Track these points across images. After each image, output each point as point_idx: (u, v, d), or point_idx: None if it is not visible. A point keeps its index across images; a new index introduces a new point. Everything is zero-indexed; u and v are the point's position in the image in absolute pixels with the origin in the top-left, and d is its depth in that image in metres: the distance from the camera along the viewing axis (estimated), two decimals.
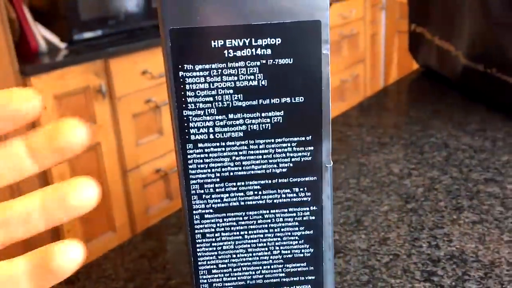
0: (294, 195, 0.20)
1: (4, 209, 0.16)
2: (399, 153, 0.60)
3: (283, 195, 0.20)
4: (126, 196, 1.52)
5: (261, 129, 0.19)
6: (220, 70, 0.18)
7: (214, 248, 0.20)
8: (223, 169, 0.19)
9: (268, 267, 0.20)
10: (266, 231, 0.20)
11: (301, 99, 0.19)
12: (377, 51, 2.60)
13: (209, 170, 0.19)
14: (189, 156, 0.19)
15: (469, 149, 0.59)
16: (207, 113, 0.19)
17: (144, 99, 1.51)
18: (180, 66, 0.18)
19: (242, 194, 0.20)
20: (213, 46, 0.18)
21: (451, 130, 0.65)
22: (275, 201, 0.20)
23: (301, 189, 0.20)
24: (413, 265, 0.40)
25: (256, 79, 0.18)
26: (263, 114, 0.19)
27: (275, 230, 0.20)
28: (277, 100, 0.19)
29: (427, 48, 0.86)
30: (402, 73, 2.44)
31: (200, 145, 0.19)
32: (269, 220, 0.20)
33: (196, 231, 0.20)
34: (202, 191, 0.20)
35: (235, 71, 0.18)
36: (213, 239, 0.20)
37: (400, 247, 0.42)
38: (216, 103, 0.19)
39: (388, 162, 0.58)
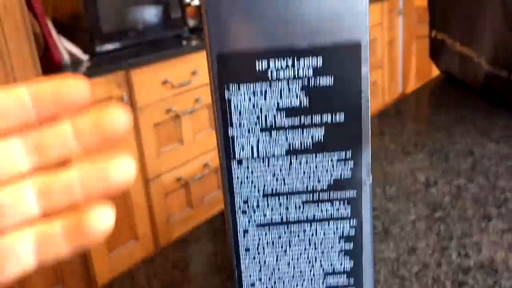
0: (335, 210, 0.20)
1: (47, 178, 0.17)
2: (424, 161, 0.60)
3: (324, 210, 0.20)
4: (148, 205, 1.54)
5: (303, 146, 0.20)
6: (264, 90, 0.19)
7: (257, 262, 0.21)
8: (266, 186, 0.20)
9: (310, 280, 0.21)
10: (308, 245, 0.21)
11: (342, 117, 0.19)
12: (395, 57, 2.59)
13: (252, 187, 0.20)
14: (233, 173, 0.20)
15: (495, 156, 0.59)
16: (251, 132, 0.20)
17: (165, 108, 1.52)
18: (225, 88, 0.19)
19: (284, 209, 0.20)
20: (257, 67, 0.19)
21: (476, 137, 0.65)
22: (316, 216, 0.20)
23: (342, 204, 0.20)
24: (443, 274, 0.40)
25: (298, 98, 0.19)
26: (304, 132, 0.20)
27: (316, 244, 0.21)
28: (319, 119, 0.19)
29: (449, 54, 0.85)
30: (421, 78, 2.43)
31: (244, 162, 0.20)
32: (310, 235, 0.21)
33: (240, 246, 0.21)
34: (246, 207, 0.20)
35: (278, 91, 0.19)
36: (256, 254, 0.21)
37: (430, 257, 0.42)
38: (260, 122, 0.19)
39: (413, 170, 0.58)
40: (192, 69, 1.57)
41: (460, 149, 0.62)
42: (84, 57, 1.46)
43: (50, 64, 1.37)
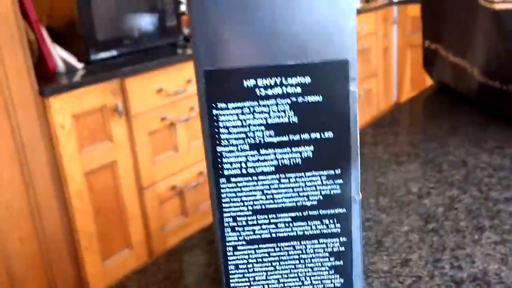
0: (324, 226, 0.20)
1: None
2: (417, 172, 0.60)
3: (314, 227, 0.20)
4: (143, 213, 1.53)
5: (291, 163, 0.20)
6: (252, 108, 0.19)
7: (247, 279, 0.21)
8: (255, 202, 0.20)
9: None
10: (297, 262, 0.21)
11: (330, 134, 0.19)
12: (390, 65, 2.61)
13: (241, 204, 0.20)
14: (222, 190, 0.20)
15: (488, 167, 0.59)
16: (239, 149, 0.19)
17: (160, 116, 1.52)
18: (213, 105, 0.19)
19: (273, 226, 0.20)
20: (245, 85, 0.19)
21: (469, 147, 0.65)
22: (305, 232, 0.20)
23: (331, 221, 0.20)
24: (436, 287, 0.40)
25: (287, 116, 0.19)
26: (293, 149, 0.20)
27: (306, 261, 0.21)
28: (307, 136, 0.19)
29: (442, 64, 0.86)
30: (415, 87, 2.44)
31: (233, 179, 0.20)
32: (300, 251, 0.21)
33: (229, 262, 0.21)
34: (235, 224, 0.20)
35: (266, 109, 0.19)
36: (246, 270, 0.21)
37: (423, 269, 0.42)
38: (248, 139, 0.19)
39: (407, 180, 0.58)
40: (187, 77, 1.57)
41: (453, 160, 0.62)
42: (79, 65, 1.46)
43: (44, 72, 1.37)
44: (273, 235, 0.20)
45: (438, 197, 0.53)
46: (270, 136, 0.19)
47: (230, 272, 0.21)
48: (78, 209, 1.35)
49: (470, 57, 0.76)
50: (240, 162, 0.20)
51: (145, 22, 1.64)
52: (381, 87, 2.57)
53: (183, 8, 1.84)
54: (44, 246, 1.31)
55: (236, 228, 0.20)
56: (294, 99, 0.19)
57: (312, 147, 0.19)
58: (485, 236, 0.45)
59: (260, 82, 0.19)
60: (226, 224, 0.20)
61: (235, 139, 0.19)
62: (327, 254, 0.21)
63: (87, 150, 1.36)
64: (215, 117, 0.19)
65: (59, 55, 1.42)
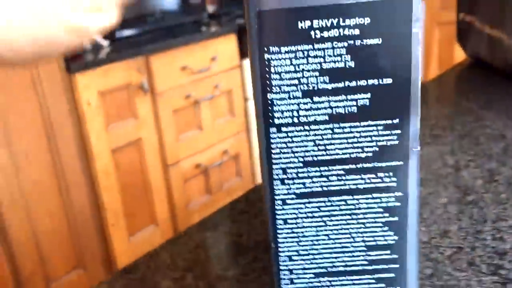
0: (379, 180, 0.19)
1: None
2: (453, 145, 0.59)
3: (368, 180, 0.19)
4: (168, 191, 1.54)
5: (346, 112, 0.19)
6: (306, 52, 0.18)
7: (296, 235, 0.20)
8: (306, 154, 0.19)
9: (351, 254, 0.20)
10: (349, 217, 0.20)
11: (389, 80, 0.18)
12: None
13: (292, 155, 0.19)
14: (272, 141, 0.19)
15: None
16: (291, 96, 0.18)
17: (184, 94, 1.52)
18: (265, 49, 0.18)
19: (325, 179, 0.19)
20: (299, 27, 0.18)
21: (507, 120, 0.63)
22: (359, 186, 0.19)
23: (387, 174, 0.19)
24: (478, 258, 0.38)
25: (343, 60, 0.18)
26: (349, 97, 0.18)
27: (359, 216, 0.20)
28: (364, 82, 0.18)
29: (477, 37, 0.83)
30: (442, 66, 2.38)
31: (283, 129, 0.19)
32: (352, 206, 0.20)
33: (278, 217, 0.20)
34: (285, 176, 0.19)
35: (321, 53, 0.18)
36: (295, 225, 0.20)
37: (463, 240, 0.41)
38: (301, 86, 0.18)
39: (443, 153, 0.56)
40: (212, 55, 1.56)
41: (490, 133, 0.60)
42: (105, 42, 1.46)
43: None
44: (325, 188, 0.19)
45: (476, 169, 0.52)
46: (325, 82, 0.18)
47: (278, 227, 0.20)
48: (104, 186, 1.36)
49: (507, 28, 0.73)
50: (292, 111, 0.19)
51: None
52: None
53: None
54: (72, 222, 1.33)
55: (286, 181, 0.19)
56: (351, 42, 0.18)
57: (369, 95, 0.18)
58: None
59: (315, 23, 0.18)
60: (275, 177, 0.19)
61: (287, 85, 0.18)
62: (381, 210, 0.20)
63: (113, 127, 1.37)
64: (266, 62, 0.18)
65: None
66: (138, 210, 1.47)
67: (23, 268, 1.24)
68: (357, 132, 0.19)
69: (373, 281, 0.20)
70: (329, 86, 0.18)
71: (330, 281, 0.20)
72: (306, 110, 0.19)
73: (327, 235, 0.20)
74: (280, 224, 0.20)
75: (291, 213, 0.20)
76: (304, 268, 0.20)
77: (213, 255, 0.44)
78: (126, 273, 0.43)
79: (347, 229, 0.20)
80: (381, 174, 0.19)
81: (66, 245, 1.33)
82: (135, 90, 1.39)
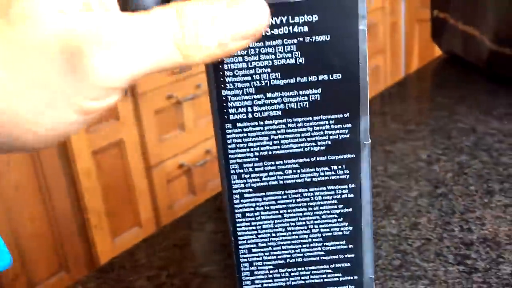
0: (333, 173, 0.20)
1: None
2: (426, 140, 0.60)
3: (322, 173, 0.20)
4: (151, 192, 1.54)
5: (299, 107, 0.19)
6: (257, 49, 0.18)
7: (254, 227, 0.21)
8: (261, 148, 0.20)
9: (308, 245, 0.21)
10: (305, 209, 0.20)
11: (339, 76, 0.19)
12: (397, 41, 2.57)
13: (248, 150, 0.20)
14: (228, 136, 0.20)
15: (498, 133, 0.58)
16: (245, 93, 0.19)
17: (166, 94, 1.52)
18: None
19: (280, 173, 0.20)
20: None
21: (479, 115, 0.64)
22: (313, 179, 0.20)
23: (339, 167, 0.20)
24: (446, 249, 0.39)
25: (294, 57, 0.19)
26: (300, 92, 0.19)
27: (314, 208, 0.20)
28: (315, 78, 0.19)
29: (451, 34, 0.84)
30: (423, 63, 2.41)
31: (239, 124, 0.19)
32: (308, 199, 0.20)
33: (236, 211, 0.20)
34: (242, 171, 0.20)
35: (272, 50, 0.19)
36: (253, 218, 0.20)
37: (432, 232, 0.42)
38: (254, 82, 0.19)
39: (415, 148, 0.57)
40: None
41: (462, 127, 0.61)
42: None
43: None
44: (281, 182, 0.20)
45: (447, 163, 0.53)
46: (277, 78, 0.19)
47: (237, 220, 0.21)
48: (86, 188, 1.36)
49: (479, 24, 0.75)
50: (246, 106, 0.19)
51: (151, 1, 1.63)
52: (389, 64, 2.54)
53: None
54: (54, 225, 1.32)
55: (243, 175, 0.20)
56: (301, 39, 0.18)
57: (319, 90, 0.19)
58: (495, 200, 0.45)
59: None
60: (232, 171, 0.20)
61: (241, 82, 0.19)
62: (335, 201, 0.20)
63: (94, 128, 1.36)
64: (220, 60, 0.19)
65: None
66: (121, 212, 1.47)
67: (6, 272, 1.23)
68: (309, 126, 0.19)
69: (330, 271, 0.21)
70: (281, 82, 0.19)
71: (289, 272, 0.21)
72: (260, 105, 0.19)
73: (284, 227, 0.21)
74: (239, 218, 0.20)
75: (249, 207, 0.20)
76: (264, 260, 0.21)
77: (189, 252, 0.44)
78: (102, 272, 0.44)
79: (304, 221, 0.21)
80: (334, 167, 0.20)
81: (48, 248, 1.32)
82: None
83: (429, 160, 0.54)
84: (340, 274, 0.21)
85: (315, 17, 0.18)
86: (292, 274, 0.21)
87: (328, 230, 0.20)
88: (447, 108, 0.68)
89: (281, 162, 0.20)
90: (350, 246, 0.21)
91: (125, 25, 0.16)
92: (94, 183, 1.38)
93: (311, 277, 0.21)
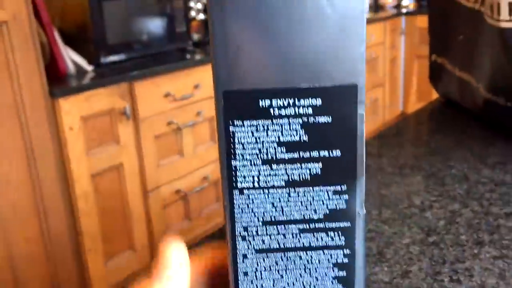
0: (330, 239, 0.22)
1: None
2: (420, 185, 0.61)
3: (319, 239, 0.22)
4: (147, 216, 1.54)
5: (301, 179, 0.21)
6: (266, 126, 0.20)
7: (255, 286, 0.22)
8: (265, 214, 0.21)
9: None
10: (303, 271, 0.22)
11: (338, 153, 0.21)
12: (396, 76, 2.62)
13: (252, 215, 0.21)
14: (235, 202, 0.21)
15: (490, 183, 0.60)
16: (252, 164, 0.21)
17: (167, 121, 1.54)
18: (230, 122, 0.20)
19: (282, 237, 0.22)
20: (260, 105, 0.20)
21: (472, 162, 0.66)
22: (312, 244, 0.22)
23: (336, 234, 0.22)
24: None
25: (298, 134, 0.21)
26: (303, 166, 0.21)
27: (311, 271, 0.22)
28: (316, 153, 0.21)
29: (448, 78, 0.87)
30: (421, 97, 2.45)
31: (245, 191, 0.21)
32: (306, 262, 0.22)
33: (239, 270, 0.22)
34: (246, 234, 0.22)
35: (279, 127, 0.20)
36: (254, 277, 0.22)
37: (422, 281, 0.43)
38: (261, 155, 0.21)
39: (410, 193, 0.59)
40: (195, 82, 1.58)
41: (456, 174, 0.63)
42: (89, 67, 1.48)
43: (55, 74, 1.39)
44: (281, 245, 0.22)
45: (439, 210, 0.55)
46: (282, 152, 0.21)
47: (239, 279, 0.22)
48: (83, 211, 1.37)
49: (475, 72, 0.78)
50: (253, 176, 0.21)
51: (155, 27, 1.67)
52: (387, 97, 2.58)
53: (192, 14, 1.86)
54: (49, 247, 1.33)
55: (247, 238, 0.22)
56: (305, 119, 0.20)
57: (320, 164, 0.21)
58: (484, 251, 0.46)
59: (274, 102, 0.20)
60: (237, 233, 0.22)
61: (249, 154, 0.21)
62: (331, 265, 0.22)
63: (94, 152, 1.38)
64: (231, 134, 0.21)
65: (70, 57, 1.44)
66: (116, 235, 1.47)
67: None
68: (310, 196, 0.21)
69: None
70: (286, 156, 0.21)
71: None
72: (265, 176, 0.21)
73: (283, 287, 0.22)
74: (241, 277, 0.22)
75: (251, 267, 0.22)
76: None
77: None
78: None
79: (302, 282, 0.22)
80: (331, 234, 0.22)
81: (42, 269, 1.32)
82: (118, 115, 1.41)
83: (422, 206, 0.56)
84: None
85: (319, 101, 0.20)
86: None
87: None
88: (441, 153, 0.70)
89: (283, 227, 0.22)
90: None
91: None
92: (91, 206, 1.39)
93: None
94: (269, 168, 0.21)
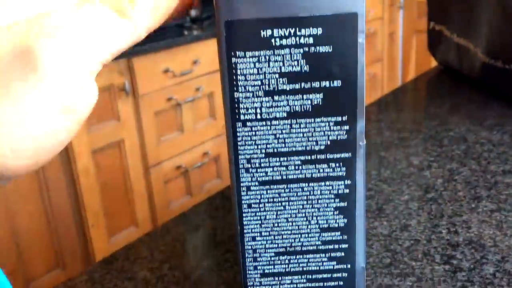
0: (331, 170, 0.22)
1: None
2: (418, 147, 0.62)
3: (321, 170, 0.22)
4: (148, 192, 1.56)
5: (302, 110, 0.22)
6: (267, 57, 0.21)
7: (258, 218, 0.23)
8: (268, 146, 0.22)
9: (306, 235, 0.23)
10: (305, 202, 0.23)
11: (339, 83, 0.21)
12: (395, 51, 2.61)
13: (255, 147, 0.22)
14: (238, 134, 0.22)
15: (488, 143, 0.60)
16: (255, 95, 0.21)
17: (166, 97, 1.54)
18: (232, 53, 0.21)
19: (284, 168, 0.22)
20: (262, 35, 0.21)
21: (470, 125, 0.66)
22: (313, 175, 0.22)
23: (337, 165, 0.22)
24: (433, 249, 0.42)
25: (299, 65, 0.21)
26: (304, 97, 0.21)
27: (313, 202, 0.23)
28: (317, 84, 0.21)
29: (446, 45, 0.87)
30: (420, 72, 2.44)
31: (248, 124, 0.22)
32: (308, 193, 0.23)
33: (243, 202, 0.23)
34: (249, 166, 0.22)
35: (280, 58, 0.21)
36: (258, 210, 0.23)
37: (421, 233, 0.44)
38: (263, 86, 0.21)
39: (408, 155, 0.60)
40: (193, 58, 1.58)
41: (454, 136, 0.64)
42: None
43: None
44: (284, 177, 0.22)
45: (438, 169, 0.55)
46: (283, 83, 0.21)
47: (243, 211, 0.23)
48: (85, 187, 1.38)
49: (473, 37, 0.78)
50: (255, 108, 0.21)
51: None
52: (386, 72, 2.58)
53: None
54: (52, 222, 1.34)
55: (250, 170, 0.22)
56: (306, 49, 0.21)
57: (321, 95, 0.21)
58: (481, 205, 0.47)
59: (276, 32, 0.21)
60: (241, 166, 0.22)
61: (251, 86, 0.21)
62: (332, 196, 0.23)
63: (94, 128, 1.39)
64: (233, 65, 0.21)
65: None
66: (118, 211, 1.49)
67: (3, 267, 1.24)
68: (311, 127, 0.22)
69: (325, 259, 0.23)
70: (287, 87, 0.21)
71: (288, 259, 0.23)
72: (268, 107, 0.21)
73: (286, 218, 0.23)
74: (245, 209, 0.23)
75: (254, 199, 0.23)
76: (266, 248, 0.23)
77: (189, 248, 0.46)
78: (106, 264, 0.46)
79: (304, 213, 0.23)
80: (332, 165, 0.22)
81: (46, 245, 1.34)
82: (117, 92, 1.41)
83: (421, 166, 0.56)
84: (335, 263, 0.23)
85: (319, 31, 0.21)
86: (292, 261, 0.23)
87: (325, 222, 0.23)
88: (439, 117, 0.70)
89: (285, 159, 0.22)
90: (345, 237, 0.23)
91: (65, 12, 0.16)
92: (93, 182, 1.40)
93: (309, 264, 0.23)
94: (271, 99, 0.21)
